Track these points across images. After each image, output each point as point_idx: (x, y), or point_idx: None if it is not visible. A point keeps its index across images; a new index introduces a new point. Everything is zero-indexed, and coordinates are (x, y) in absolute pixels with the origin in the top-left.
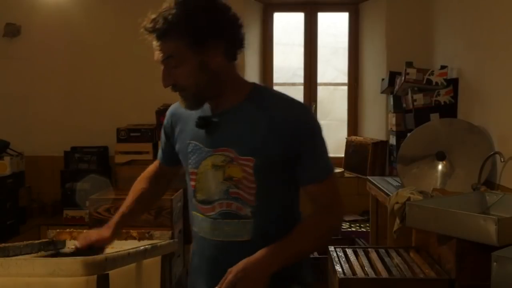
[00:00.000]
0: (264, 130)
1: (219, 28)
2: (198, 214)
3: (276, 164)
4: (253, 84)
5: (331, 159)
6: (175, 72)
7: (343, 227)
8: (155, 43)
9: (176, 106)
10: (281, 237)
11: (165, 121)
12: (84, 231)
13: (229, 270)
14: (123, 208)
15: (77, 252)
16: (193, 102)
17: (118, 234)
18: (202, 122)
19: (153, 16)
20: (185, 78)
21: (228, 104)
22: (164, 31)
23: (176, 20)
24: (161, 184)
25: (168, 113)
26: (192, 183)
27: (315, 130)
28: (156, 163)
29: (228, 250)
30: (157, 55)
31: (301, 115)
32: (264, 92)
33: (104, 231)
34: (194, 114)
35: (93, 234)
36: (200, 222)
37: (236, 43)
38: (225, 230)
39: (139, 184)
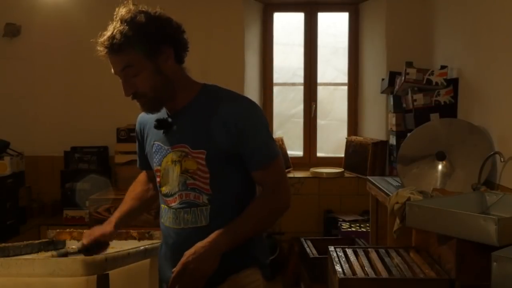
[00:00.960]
0: (212, 124)
1: (166, 36)
2: (164, 206)
3: (225, 154)
4: (203, 84)
5: (331, 159)
6: (134, 81)
7: (343, 227)
8: (112, 58)
9: (142, 115)
10: None
11: (136, 133)
12: (84, 230)
13: (184, 253)
14: (121, 206)
15: (83, 249)
16: (152, 106)
17: (119, 228)
18: (159, 124)
19: (108, 34)
20: (144, 84)
21: (180, 104)
22: (121, 45)
23: (131, 34)
24: (155, 186)
25: (137, 123)
26: (158, 179)
27: (257, 121)
28: (144, 172)
29: (188, 236)
30: (115, 68)
31: (244, 108)
32: (212, 90)
33: (106, 226)
34: (155, 118)
35: (97, 230)
36: (166, 213)
37: (182, 47)
38: (185, 218)
39: (134, 186)
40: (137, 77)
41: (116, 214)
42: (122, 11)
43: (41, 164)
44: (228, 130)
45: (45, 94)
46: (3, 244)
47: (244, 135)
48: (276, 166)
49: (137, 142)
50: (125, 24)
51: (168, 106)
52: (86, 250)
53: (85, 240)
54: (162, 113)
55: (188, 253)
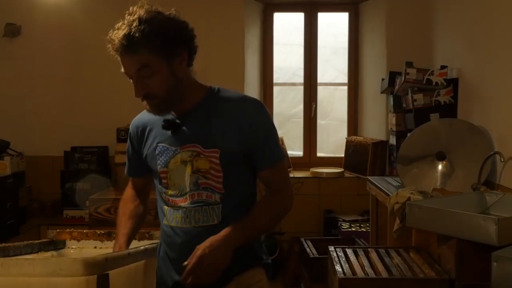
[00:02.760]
0: (224, 123)
1: (183, 39)
2: (169, 207)
3: (237, 154)
4: (209, 86)
5: (331, 159)
6: (147, 81)
7: (343, 227)
8: (126, 57)
9: (138, 118)
10: None
11: (130, 135)
12: (84, 230)
13: (197, 247)
14: (122, 229)
15: None
16: (162, 108)
17: None
18: (167, 124)
19: (124, 32)
20: (157, 86)
21: (188, 105)
22: (140, 44)
23: (151, 34)
24: (142, 199)
25: (132, 126)
26: (164, 181)
27: (268, 122)
28: (129, 186)
29: (199, 235)
30: (129, 67)
31: (255, 109)
32: (220, 92)
33: None
34: (158, 121)
35: None
36: (171, 213)
37: (194, 51)
38: (197, 217)
39: (125, 206)
40: (151, 78)
41: (121, 240)
42: (139, 11)
43: (41, 164)
44: (240, 129)
45: (45, 94)
46: (3, 244)
47: (256, 135)
48: (283, 166)
49: (130, 146)
50: (145, 23)
51: (176, 108)
52: None
53: None
54: (169, 115)
55: (204, 246)
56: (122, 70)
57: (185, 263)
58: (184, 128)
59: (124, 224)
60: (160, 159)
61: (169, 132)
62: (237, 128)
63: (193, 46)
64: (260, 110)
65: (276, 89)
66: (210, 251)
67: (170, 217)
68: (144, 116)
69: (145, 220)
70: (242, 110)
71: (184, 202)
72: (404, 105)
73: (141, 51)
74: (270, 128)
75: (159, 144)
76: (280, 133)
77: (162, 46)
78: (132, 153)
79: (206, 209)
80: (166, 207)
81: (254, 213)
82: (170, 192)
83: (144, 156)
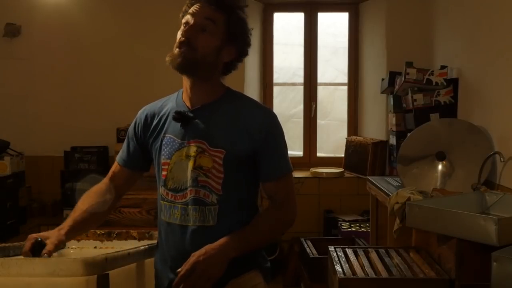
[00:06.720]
0: (235, 126)
1: (245, 44)
2: (167, 203)
3: (242, 159)
4: (228, 87)
5: (331, 159)
6: (200, 34)
7: (343, 227)
8: (203, 5)
9: (149, 106)
10: (241, 226)
11: (136, 122)
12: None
13: (192, 254)
14: (75, 214)
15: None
16: (187, 63)
17: (71, 238)
18: (179, 116)
19: None
20: (203, 43)
21: (203, 101)
22: (224, 5)
23: (235, 10)
24: (113, 198)
25: (141, 113)
26: (164, 173)
27: (278, 133)
28: (106, 180)
29: (194, 235)
30: (200, 13)
31: (267, 119)
32: (237, 96)
33: (60, 232)
34: (170, 112)
35: (53, 235)
36: (169, 209)
37: (233, 67)
38: (193, 216)
39: (91, 197)
40: (205, 33)
41: (69, 222)
42: None
43: (41, 164)
44: (250, 135)
45: (45, 94)
46: (3, 244)
47: (265, 144)
48: (288, 180)
49: (132, 133)
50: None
51: (191, 101)
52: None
53: (50, 247)
54: (182, 107)
55: (199, 253)
56: (189, 16)
57: (179, 269)
58: (194, 122)
59: (79, 212)
60: (165, 150)
61: (178, 124)
62: (247, 133)
63: (239, 61)
64: (273, 120)
65: (276, 89)
66: (204, 259)
67: (167, 213)
68: (156, 105)
69: (101, 222)
70: (255, 117)
71: (183, 198)
72: (404, 105)
73: (220, 10)
74: (280, 141)
75: (166, 135)
76: None
77: (234, 26)
78: (133, 141)
79: (203, 209)
80: (163, 202)
81: (253, 226)
82: (169, 185)
83: (149, 146)
